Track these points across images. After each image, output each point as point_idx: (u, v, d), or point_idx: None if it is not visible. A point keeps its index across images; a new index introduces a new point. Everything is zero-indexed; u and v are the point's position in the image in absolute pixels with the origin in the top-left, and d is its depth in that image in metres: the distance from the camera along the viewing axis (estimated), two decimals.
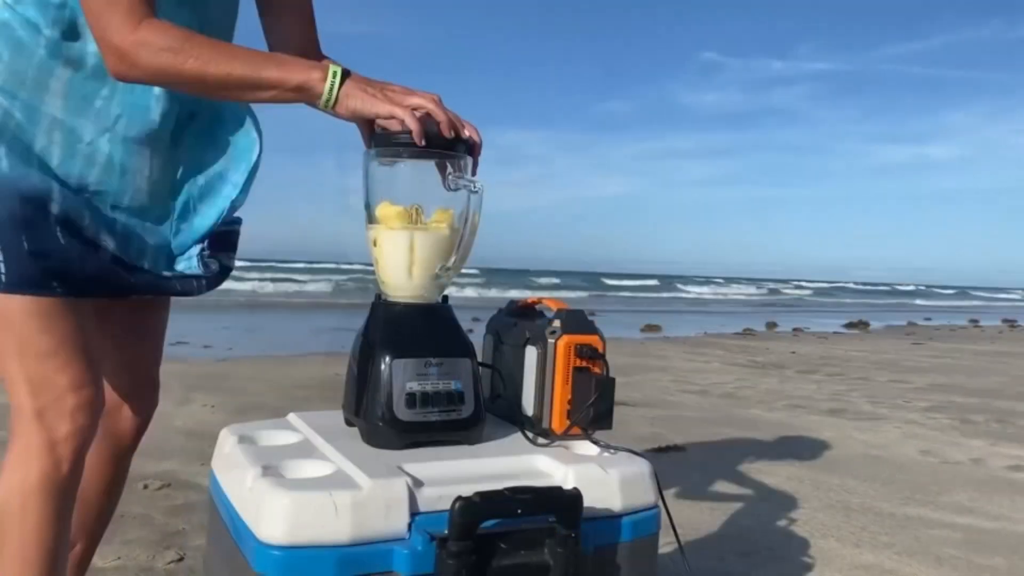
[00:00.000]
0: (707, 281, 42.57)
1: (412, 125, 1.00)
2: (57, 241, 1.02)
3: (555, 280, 32.52)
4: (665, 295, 27.56)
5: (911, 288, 52.15)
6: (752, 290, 36.28)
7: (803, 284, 46.29)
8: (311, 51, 1.31)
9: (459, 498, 0.84)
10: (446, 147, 1.04)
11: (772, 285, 42.94)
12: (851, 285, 53.56)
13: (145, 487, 2.49)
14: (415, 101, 1.02)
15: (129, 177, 1.10)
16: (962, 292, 47.54)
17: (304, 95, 1.00)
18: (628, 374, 5.66)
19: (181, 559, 1.95)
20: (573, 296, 22.84)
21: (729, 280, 47.46)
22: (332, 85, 0.99)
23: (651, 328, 10.72)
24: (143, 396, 1.33)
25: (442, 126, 1.03)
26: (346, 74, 1.01)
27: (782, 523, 2.39)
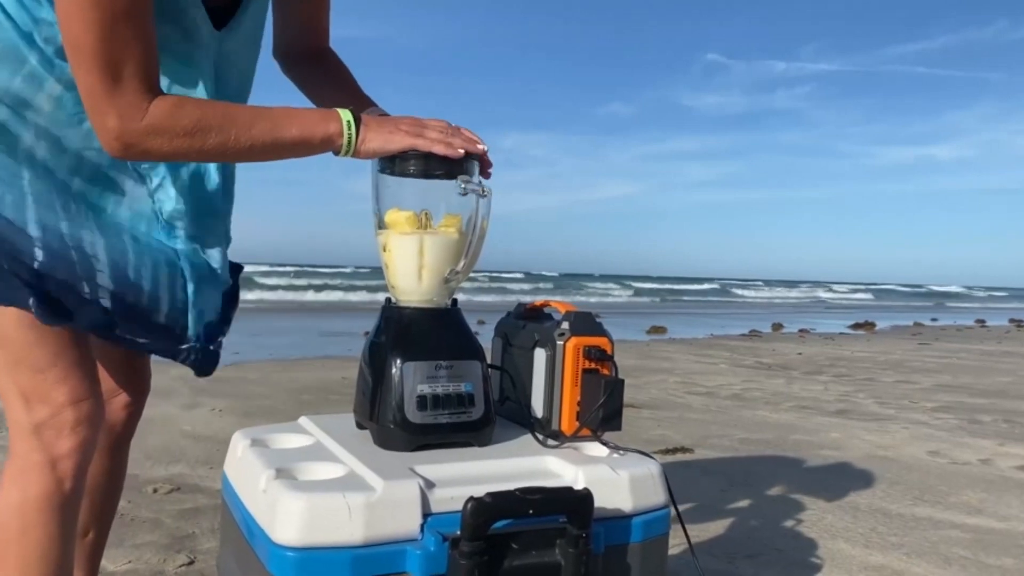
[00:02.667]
0: (745, 284, 42.39)
1: (439, 149, 1.03)
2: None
3: (611, 285, 32.70)
4: (724, 299, 27.55)
5: (959, 290, 51.11)
6: (802, 293, 36.33)
7: (859, 287, 46.12)
8: (322, 39, 1.31)
9: (471, 499, 0.85)
10: (454, 172, 1.07)
11: (807, 287, 42.77)
12: (895, 287, 53.15)
13: (154, 491, 2.50)
14: (432, 135, 1.04)
15: (120, 188, 1.06)
16: (1015, 294, 46.74)
17: (325, 148, 1.01)
18: (635, 376, 5.66)
19: (191, 563, 1.96)
20: (645, 301, 23.10)
21: (768, 283, 47.16)
22: (350, 136, 1.00)
23: (657, 330, 10.72)
24: (135, 385, 1.31)
25: (468, 146, 1.05)
26: (359, 118, 1.02)
27: (790, 524, 2.40)
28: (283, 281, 20.78)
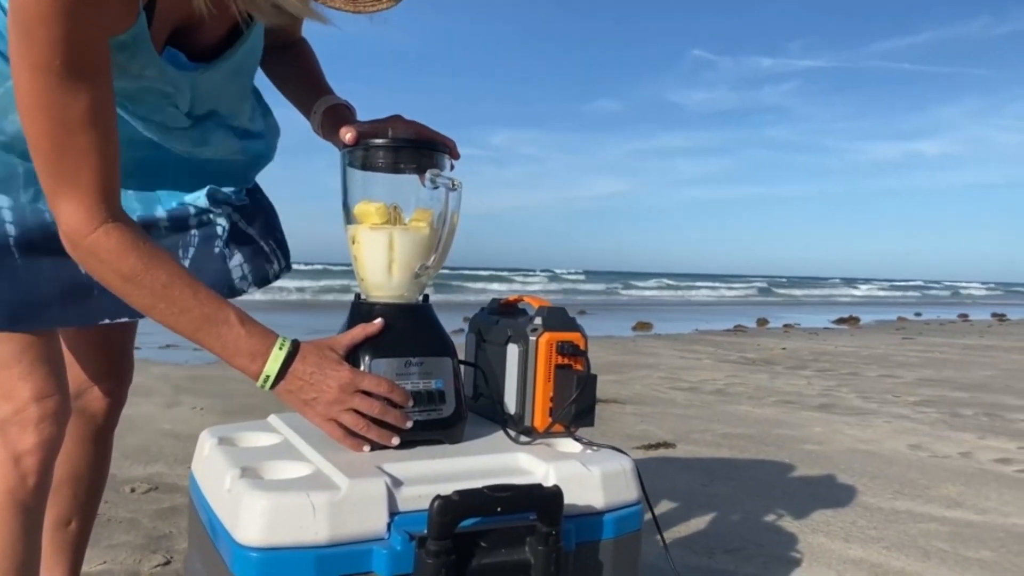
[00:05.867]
0: (772, 282, 42.01)
1: (346, 444, 0.98)
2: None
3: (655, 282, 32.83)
4: (772, 299, 27.25)
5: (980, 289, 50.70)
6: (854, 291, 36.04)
7: (900, 284, 45.85)
8: (295, 33, 1.28)
9: (438, 497, 0.84)
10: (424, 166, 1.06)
11: (832, 286, 42.53)
12: (922, 283, 53.03)
13: (132, 490, 2.48)
14: (347, 420, 0.97)
15: None
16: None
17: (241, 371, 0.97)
18: (619, 372, 5.66)
19: (168, 563, 1.94)
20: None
21: (791, 280, 46.66)
22: (264, 386, 0.96)
23: (642, 326, 10.73)
24: (116, 374, 1.30)
25: (383, 441, 0.99)
26: (284, 370, 0.96)
27: (771, 519, 2.40)
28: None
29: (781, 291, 32.50)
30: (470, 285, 22.77)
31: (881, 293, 35.76)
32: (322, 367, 0.97)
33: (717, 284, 34.08)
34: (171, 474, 2.69)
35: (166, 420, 3.57)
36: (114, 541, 2.06)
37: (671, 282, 34.73)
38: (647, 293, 26.93)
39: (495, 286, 24.68)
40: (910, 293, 37.32)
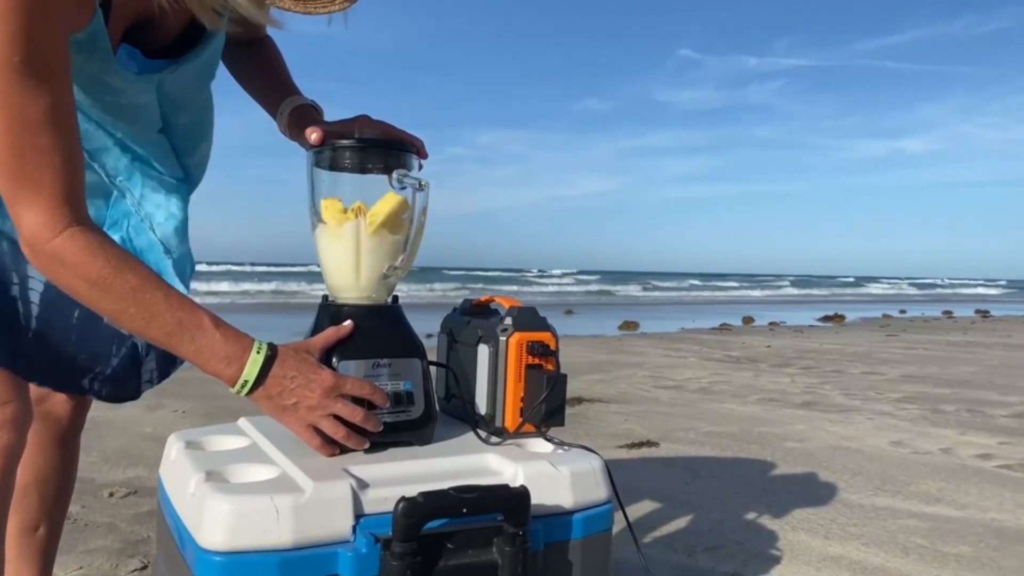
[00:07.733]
0: (783, 281, 41.86)
1: (323, 452, 0.97)
2: None
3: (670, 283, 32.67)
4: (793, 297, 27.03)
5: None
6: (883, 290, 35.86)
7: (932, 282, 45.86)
8: (260, 30, 1.26)
9: (403, 498, 0.83)
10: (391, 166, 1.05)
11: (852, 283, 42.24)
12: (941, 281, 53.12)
13: (110, 495, 2.46)
14: (325, 426, 0.96)
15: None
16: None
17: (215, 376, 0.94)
18: (604, 371, 5.67)
19: (145, 567, 1.92)
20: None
21: (800, 279, 46.54)
22: (240, 391, 0.94)
23: (628, 325, 10.76)
24: None
25: (355, 446, 0.99)
26: (264, 373, 0.93)
27: (752, 516, 2.40)
28: (250, 278, 20.54)
29: (804, 290, 32.27)
30: (482, 286, 22.80)
31: (906, 291, 35.72)
32: (303, 371, 0.95)
33: (741, 283, 33.91)
34: (151, 478, 2.67)
35: (147, 423, 3.54)
36: (91, 546, 2.04)
37: (696, 282, 34.56)
38: (672, 294, 26.84)
39: (508, 287, 24.71)
40: (935, 291, 37.35)
